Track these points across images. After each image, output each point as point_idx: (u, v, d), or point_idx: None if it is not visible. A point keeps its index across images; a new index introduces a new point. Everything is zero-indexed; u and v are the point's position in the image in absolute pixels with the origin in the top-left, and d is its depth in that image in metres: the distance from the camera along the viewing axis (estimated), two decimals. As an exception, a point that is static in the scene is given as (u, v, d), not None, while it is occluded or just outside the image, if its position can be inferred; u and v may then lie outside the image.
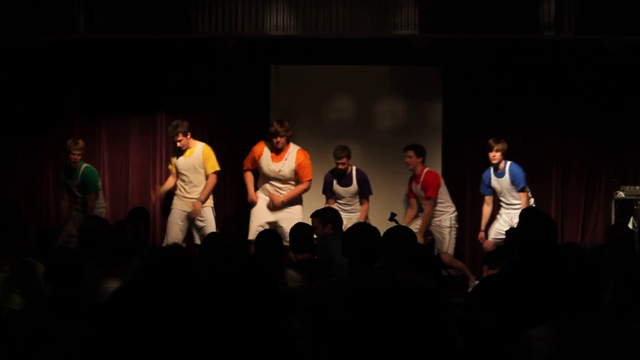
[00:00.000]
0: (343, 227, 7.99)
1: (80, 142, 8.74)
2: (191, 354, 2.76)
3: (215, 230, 8.39)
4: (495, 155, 8.46)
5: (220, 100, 9.52)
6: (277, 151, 8.42)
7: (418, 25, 8.60)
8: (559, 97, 9.56)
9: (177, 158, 8.64)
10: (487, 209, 8.78)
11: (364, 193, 8.74)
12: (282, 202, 8.46)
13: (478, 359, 3.14)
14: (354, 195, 8.73)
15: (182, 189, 8.65)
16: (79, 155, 8.70)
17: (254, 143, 8.79)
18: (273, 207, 8.47)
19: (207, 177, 8.62)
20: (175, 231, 8.59)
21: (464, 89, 9.49)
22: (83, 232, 6.10)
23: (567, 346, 2.53)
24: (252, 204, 8.63)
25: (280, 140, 8.33)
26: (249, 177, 8.67)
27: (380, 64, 9.65)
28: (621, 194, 8.89)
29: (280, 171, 8.46)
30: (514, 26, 8.57)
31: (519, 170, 8.50)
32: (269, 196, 8.52)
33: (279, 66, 9.68)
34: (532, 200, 8.65)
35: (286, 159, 8.47)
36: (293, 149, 8.50)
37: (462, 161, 9.51)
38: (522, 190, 8.48)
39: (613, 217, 8.86)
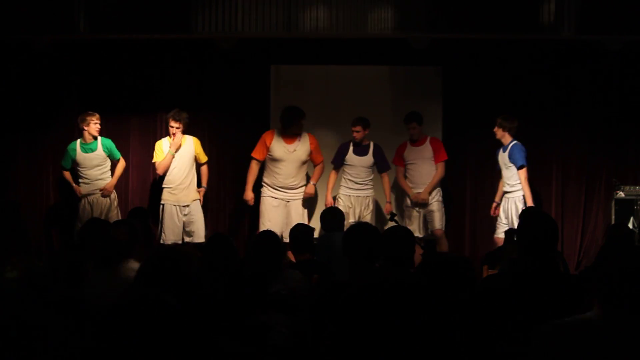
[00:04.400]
0: (349, 209, 8.41)
1: (97, 114, 8.78)
2: (191, 354, 2.76)
3: (203, 225, 8.69)
4: (496, 130, 8.71)
5: (220, 100, 9.52)
6: (292, 135, 8.65)
7: (418, 25, 8.60)
8: (558, 97, 9.56)
9: (170, 150, 8.69)
10: (501, 183, 8.94)
11: (380, 165, 8.90)
12: (312, 192, 8.78)
13: (480, 358, 3.14)
14: (367, 167, 8.83)
15: (174, 182, 8.68)
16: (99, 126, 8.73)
17: (254, 143, 8.79)
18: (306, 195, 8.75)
19: (200, 165, 8.95)
20: (171, 227, 8.60)
21: (464, 89, 9.49)
22: (81, 233, 6.10)
23: (584, 343, 2.52)
24: (247, 203, 8.84)
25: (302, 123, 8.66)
26: (253, 172, 8.79)
27: (380, 64, 9.65)
28: (621, 194, 8.90)
29: (295, 150, 8.63)
30: (514, 26, 8.58)
31: (519, 149, 8.64)
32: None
33: (279, 66, 9.69)
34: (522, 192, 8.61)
35: (299, 141, 8.70)
36: (304, 134, 8.76)
37: (462, 161, 9.51)
38: (520, 167, 8.59)
39: (613, 217, 8.87)
